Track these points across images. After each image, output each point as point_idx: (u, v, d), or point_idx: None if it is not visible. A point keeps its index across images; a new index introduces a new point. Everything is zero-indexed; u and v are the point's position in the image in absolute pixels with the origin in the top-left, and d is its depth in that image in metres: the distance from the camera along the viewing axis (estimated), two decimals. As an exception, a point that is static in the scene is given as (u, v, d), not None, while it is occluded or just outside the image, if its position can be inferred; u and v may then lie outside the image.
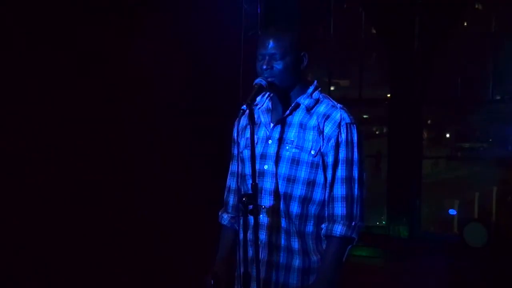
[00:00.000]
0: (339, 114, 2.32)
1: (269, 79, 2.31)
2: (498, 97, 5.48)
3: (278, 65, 2.31)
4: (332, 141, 2.30)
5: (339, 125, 2.31)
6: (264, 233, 2.37)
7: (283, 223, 2.35)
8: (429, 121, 12.99)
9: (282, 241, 2.36)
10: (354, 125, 2.33)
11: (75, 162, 3.91)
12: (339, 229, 2.26)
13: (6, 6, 3.48)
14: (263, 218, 2.37)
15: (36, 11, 3.65)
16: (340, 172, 2.31)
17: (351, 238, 2.27)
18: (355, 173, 2.31)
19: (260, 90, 2.37)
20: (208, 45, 4.87)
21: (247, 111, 2.29)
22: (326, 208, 2.33)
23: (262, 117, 2.43)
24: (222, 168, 4.09)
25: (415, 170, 5.16)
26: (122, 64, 4.20)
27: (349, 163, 2.31)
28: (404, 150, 5.17)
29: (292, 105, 2.36)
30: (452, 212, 7.10)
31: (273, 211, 2.36)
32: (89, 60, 3.98)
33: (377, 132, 14.30)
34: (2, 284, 3.57)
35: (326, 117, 2.33)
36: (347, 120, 2.31)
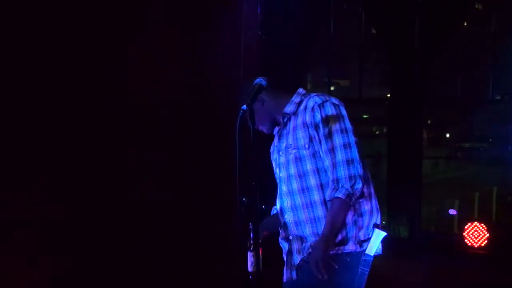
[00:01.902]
0: (311, 101, 2.67)
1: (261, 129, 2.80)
2: (498, 97, 5.47)
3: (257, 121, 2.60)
4: (313, 125, 2.65)
5: (312, 109, 2.65)
6: (293, 228, 2.72)
7: (301, 215, 2.69)
8: (429, 121, 12.98)
9: (310, 230, 2.68)
10: (327, 103, 2.66)
11: (75, 162, 3.91)
12: (327, 193, 2.61)
13: (6, 6, 3.48)
14: (288, 217, 2.74)
15: (36, 11, 3.65)
16: (325, 145, 2.62)
17: (335, 198, 2.56)
18: (336, 142, 2.61)
19: (260, 89, 2.51)
20: (208, 45, 4.86)
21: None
22: None
23: (275, 139, 2.86)
24: (222, 167, 4.09)
25: (415, 170, 5.16)
26: (123, 64, 4.20)
27: (327, 136, 2.62)
28: (404, 150, 5.16)
29: (282, 117, 2.78)
30: (452, 212, 7.09)
31: (293, 208, 2.71)
32: (90, 60, 3.97)
33: (377, 132, 14.29)
34: (2, 284, 3.57)
35: (304, 109, 2.69)
36: (318, 102, 2.65)
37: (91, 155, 3.99)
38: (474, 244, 4.75)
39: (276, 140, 2.85)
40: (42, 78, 3.72)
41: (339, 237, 2.59)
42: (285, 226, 2.76)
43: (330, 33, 5.46)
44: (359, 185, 2.57)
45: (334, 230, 2.57)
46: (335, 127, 2.62)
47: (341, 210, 2.56)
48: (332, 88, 5.81)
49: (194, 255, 4.82)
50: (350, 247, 2.60)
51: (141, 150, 4.35)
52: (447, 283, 4.54)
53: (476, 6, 6.84)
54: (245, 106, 2.40)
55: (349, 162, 2.58)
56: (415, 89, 5.03)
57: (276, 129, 2.86)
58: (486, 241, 4.72)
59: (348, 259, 2.60)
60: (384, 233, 2.65)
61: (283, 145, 2.76)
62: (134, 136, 4.30)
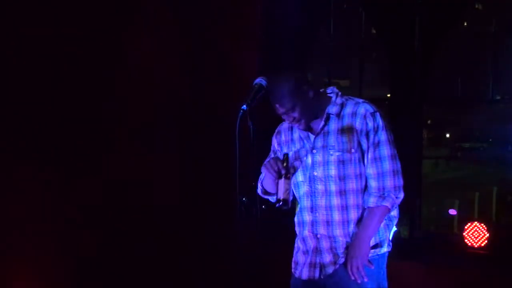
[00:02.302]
0: (362, 108, 2.76)
1: (298, 125, 2.76)
2: (498, 97, 5.45)
3: (295, 114, 2.70)
4: (364, 132, 2.73)
5: (364, 117, 2.74)
6: (324, 227, 2.79)
7: (335, 216, 2.77)
8: (429, 121, 12.96)
9: (340, 231, 2.77)
10: (377, 113, 2.76)
11: (75, 162, 3.90)
12: (371, 200, 2.73)
13: (6, 7, 3.48)
14: (319, 215, 2.79)
15: (36, 11, 3.65)
16: (372, 154, 2.74)
17: (382, 206, 2.71)
18: (384, 152, 2.75)
19: (260, 89, 2.51)
20: (208, 45, 4.86)
21: (288, 124, 2.81)
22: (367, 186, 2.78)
23: (300, 133, 2.85)
24: (222, 167, 4.08)
25: (415, 170, 5.15)
26: (123, 65, 4.20)
27: (377, 145, 2.74)
28: (404, 150, 5.15)
29: (324, 116, 2.78)
30: (452, 212, 7.08)
31: (327, 208, 2.77)
32: (91, 60, 3.97)
33: (377, 132, 14.20)
34: (3, 285, 3.56)
35: (354, 114, 2.76)
36: (370, 110, 2.75)
37: (91, 155, 3.99)
38: (474, 244, 4.74)
39: (303, 134, 2.85)
40: (42, 78, 3.72)
41: (374, 242, 2.79)
42: (313, 224, 2.82)
43: (330, 33, 5.45)
44: (402, 195, 2.76)
45: (373, 236, 2.77)
46: (385, 137, 2.76)
47: (383, 217, 2.76)
48: (332, 88, 5.79)
49: (194, 255, 4.82)
50: (385, 249, 2.84)
51: (141, 150, 4.35)
52: (447, 283, 4.53)
53: (476, 6, 6.83)
54: (245, 106, 2.41)
55: (395, 172, 2.75)
56: (415, 89, 5.01)
57: (294, 126, 2.86)
58: (486, 241, 4.71)
59: (380, 259, 2.84)
60: (395, 228, 2.94)
61: (320, 144, 2.79)
62: (134, 136, 4.30)
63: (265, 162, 2.77)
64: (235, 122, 2.45)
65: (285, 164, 2.70)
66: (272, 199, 2.86)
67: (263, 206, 2.54)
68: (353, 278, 2.70)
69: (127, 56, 4.24)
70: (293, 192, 2.90)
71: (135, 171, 4.31)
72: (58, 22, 3.79)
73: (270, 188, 2.84)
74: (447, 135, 16.34)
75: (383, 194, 2.72)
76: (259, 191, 2.92)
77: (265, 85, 2.59)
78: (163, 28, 4.59)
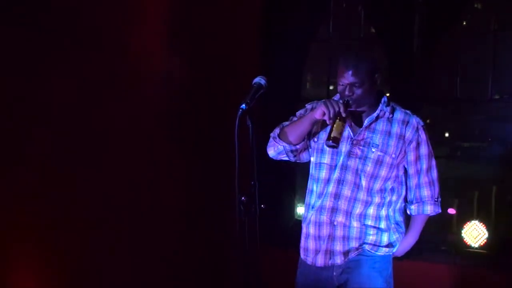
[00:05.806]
0: (414, 120, 2.95)
1: (351, 103, 2.78)
2: (497, 97, 5.46)
3: (358, 91, 2.78)
4: (414, 143, 2.91)
5: (417, 129, 2.92)
6: (343, 216, 2.89)
7: (356, 209, 2.88)
8: (428, 121, 12.96)
9: (357, 223, 2.89)
10: (424, 126, 2.96)
11: (75, 162, 3.90)
12: (428, 208, 2.96)
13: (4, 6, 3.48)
14: (341, 204, 2.88)
15: (35, 9, 3.65)
16: (425, 164, 2.93)
17: (438, 212, 2.99)
18: (433, 163, 2.96)
19: (259, 89, 2.50)
20: (208, 45, 4.86)
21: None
22: (410, 193, 2.96)
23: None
24: (221, 167, 4.08)
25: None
26: (122, 61, 4.20)
27: (428, 156, 2.94)
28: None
29: (375, 114, 2.88)
30: (451, 211, 7.07)
31: (351, 199, 2.87)
32: (90, 60, 3.97)
33: (376, 132, 14.17)
34: (3, 285, 3.56)
35: (406, 123, 2.91)
36: (421, 123, 2.96)
37: (91, 156, 3.99)
38: (473, 243, 4.74)
39: (351, 130, 2.88)
40: (43, 77, 3.72)
41: (388, 241, 2.96)
42: (333, 210, 2.90)
43: (330, 32, 5.45)
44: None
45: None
46: (432, 149, 2.98)
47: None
48: (331, 88, 5.80)
49: (194, 255, 4.82)
50: (394, 249, 3.03)
51: (141, 149, 4.35)
52: (447, 282, 4.54)
53: (476, 6, 6.82)
54: (244, 105, 2.40)
55: (439, 180, 3.02)
56: (415, 89, 5.02)
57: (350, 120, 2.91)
58: (485, 241, 4.71)
59: (391, 257, 3.03)
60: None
61: (362, 137, 2.87)
62: (135, 135, 4.30)
63: (324, 100, 2.77)
64: (234, 122, 2.45)
65: (346, 109, 2.71)
66: (286, 147, 2.89)
67: (263, 206, 2.53)
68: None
69: (126, 53, 4.24)
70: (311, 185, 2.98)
71: (135, 171, 4.31)
72: (59, 21, 3.78)
73: (295, 136, 2.87)
74: (447, 135, 16.31)
75: (437, 200, 2.98)
76: (275, 134, 2.94)
77: (264, 84, 2.58)
78: (163, 28, 4.59)
